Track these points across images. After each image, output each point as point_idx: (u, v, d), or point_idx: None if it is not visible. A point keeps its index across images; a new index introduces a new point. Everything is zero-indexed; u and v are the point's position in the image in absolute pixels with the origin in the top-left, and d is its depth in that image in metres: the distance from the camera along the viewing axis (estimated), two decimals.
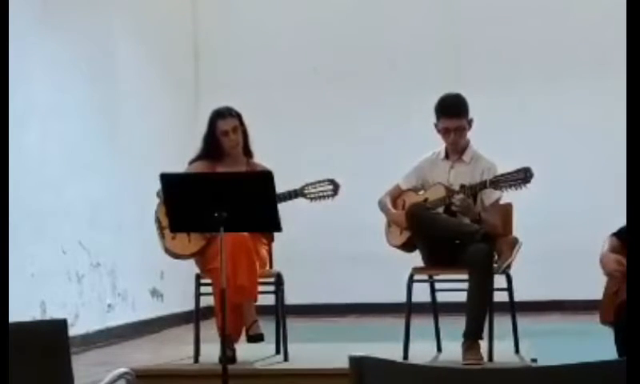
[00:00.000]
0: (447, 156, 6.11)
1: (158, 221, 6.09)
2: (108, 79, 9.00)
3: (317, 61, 10.36)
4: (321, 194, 6.08)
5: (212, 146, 6.15)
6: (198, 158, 6.22)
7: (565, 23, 9.99)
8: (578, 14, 9.95)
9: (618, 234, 4.97)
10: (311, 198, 6.08)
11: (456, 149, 6.06)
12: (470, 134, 6.12)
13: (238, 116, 6.15)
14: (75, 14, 8.49)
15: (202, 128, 6.34)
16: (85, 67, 8.60)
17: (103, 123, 8.85)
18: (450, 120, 5.97)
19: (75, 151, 8.34)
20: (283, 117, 10.13)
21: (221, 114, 6.14)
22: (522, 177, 5.69)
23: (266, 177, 5.31)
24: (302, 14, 10.45)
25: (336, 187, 6.08)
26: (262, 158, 6.25)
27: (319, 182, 6.07)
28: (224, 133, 6.10)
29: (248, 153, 6.22)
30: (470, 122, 6.04)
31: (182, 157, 6.55)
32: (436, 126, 6.05)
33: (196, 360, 5.94)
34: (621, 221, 5.00)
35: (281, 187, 5.60)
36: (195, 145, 6.37)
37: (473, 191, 5.85)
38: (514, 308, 5.98)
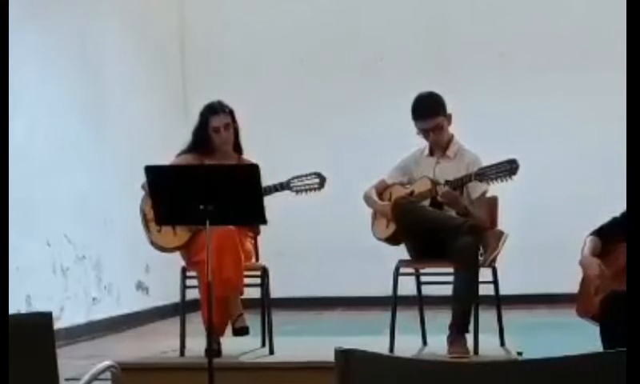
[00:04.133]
0: (432, 152, 6.12)
1: (143, 213, 6.07)
2: (94, 71, 8.97)
3: (304, 53, 10.35)
4: (307, 187, 6.08)
5: (202, 139, 6.12)
6: (187, 150, 6.19)
7: (551, 16, 10.01)
8: (564, 6, 9.97)
9: (599, 233, 4.99)
10: (297, 191, 6.08)
11: (439, 146, 6.07)
12: (454, 128, 6.12)
13: (231, 113, 6.14)
14: (62, 6, 8.46)
15: (189, 121, 6.33)
16: (71, 59, 8.58)
17: (89, 116, 8.82)
18: (424, 122, 5.98)
19: (61, 144, 8.32)
20: (270, 109, 10.11)
21: (213, 110, 6.11)
22: (508, 168, 5.69)
23: (252, 169, 5.30)
24: (290, 5, 10.43)
25: (322, 180, 6.09)
26: (248, 149, 6.24)
27: (306, 175, 6.08)
28: (215, 129, 6.08)
29: (238, 149, 6.21)
30: (448, 118, 6.03)
31: (168, 150, 6.53)
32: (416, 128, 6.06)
33: (182, 353, 5.93)
34: (607, 213, 5.02)
35: (267, 180, 5.59)
36: (182, 138, 6.35)
37: (458, 184, 5.85)
38: (499, 301, 5.99)
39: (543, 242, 9.62)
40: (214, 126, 6.08)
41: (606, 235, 4.94)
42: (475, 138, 6.27)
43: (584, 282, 5.04)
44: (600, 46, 9.73)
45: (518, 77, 9.97)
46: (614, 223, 4.94)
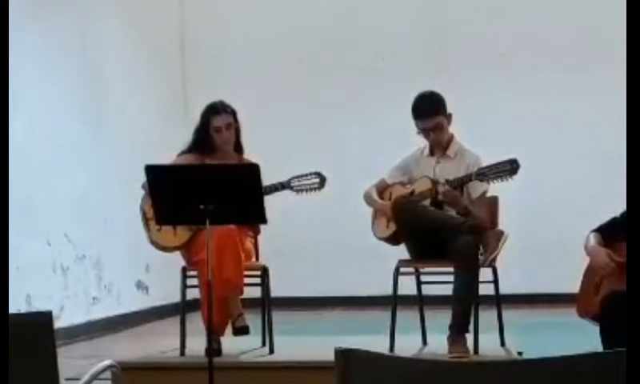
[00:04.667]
0: (432, 152, 6.12)
1: (143, 213, 6.07)
2: (95, 71, 8.97)
3: (304, 53, 10.35)
4: (307, 187, 6.08)
5: (203, 139, 6.12)
6: (188, 150, 6.19)
7: (551, 16, 10.01)
8: (564, 6, 9.96)
9: (600, 231, 4.99)
10: (298, 191, 6.08)
11: (439, 145, 6.07)
12: (454, 128, 6.12)
13: (233, 113, 6.14)
14: (62, 6, 8.46)
15: (189, 120, 6.33)
16: (71, 59, 8.58)
17: (89, 115, 8.82)
18: (425, 121, 5.98)
19: (61, 144, 8.31)
20: (270, 109, 10.10)
21: (215, 110, 6.11)
22: (509, 168, 5.69)
23: (252, 169, 5.30)
24: (290, 5, 10.43)
25: (322, 180, 6.09)
26: (248, 149, 6.24)
27: (306, 174, 6.08)
28: (217, 129, 6.08)
29: (239, 149, 6.21)
30: (448, 117, 6.03)
31: (168, 149, 6.53)
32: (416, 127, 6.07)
33: (182, 353, 5.93)
34: (607, 213, 5.02)
35: (267, 180, 5.59)
36: (182, 137, 6.35)
37: (459, 184, 5.85)
38: (499, 301, 5.99)
39: (543, 242, 9.62)
40: (216, 125, 6.08)
41: (606, 234, 4.94)
42: (475, 138, 6.27)
43: (585, 280, 5.03)
44: (600, 46, 9.73)
45: (518, 77, 9.97)
46: (614, 223, 4.94)
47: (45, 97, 8.13)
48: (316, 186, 6.09)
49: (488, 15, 10.11)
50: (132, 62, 9.56)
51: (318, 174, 6.10)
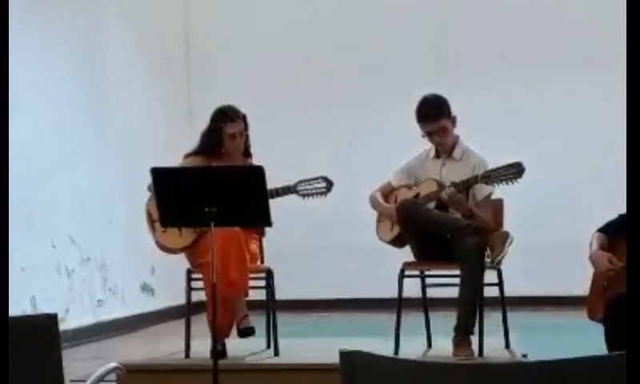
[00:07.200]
0: (437, 154, 6.12)
1: (148, 215, 6.08)
2: (97, 70, 8.97)
3: (308, 53, 10.34)
4: (314, 191, 6.06)
5: (212, 143, 6.10)
6: (195, 153, 6.18)
7: (551, 16, 10.00)
8: (564, 6, 9.96)
9: (605, 230, 4.98)
10: (304, 195, 6.07)
11: (444, 148, 6.07)
12: (459, 130, 6.12)
13: (244, 118, 6.13)
14: (64, 4, 8.46)
15: (193, 120, 6.32)
16: (74, 58, 8.58)
17: (93, 115, 8.82)
18: (428, 125, 5.98)
19: (64, 143, 8.32)
20: (274, 109, 10.09)
21: (229, 117, 6.07)
22: (514, 171, 5.70)
23: (257, 171, 5.30)
24: (293, 6, 10.43)
25: (329, 184, 6.07)
26: (252, 148, 6.23)
27: (312, 179, 6.06)
28: (231, 136, 6.05)
29: (247, 154, 6.20)
30: (453, 120, 6.03)
31: (172, 149, 6.53)
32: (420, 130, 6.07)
33: (187, 355, 5.94)
34: (611, 214, 5.02)
35: (270, 179, 5.58)
36: (186, 137, 6.35)
37: (464, 186, 5.85)
38: (504, 303, 5.99)
39: (548, 244, 9.61)
40: (230, 132, 6.05)
41: (614, 231, 4.92)
42: (476, 140, 6.27)
43: (594, 282, 5.03)
44: (600, 47, 9.72)
45: (520, 79, 9.96)
46: (622, 219, 4.92)
47: (48, 97, 8.14)
48: (323, 190, 6.07)
49: (489, 18, 10.10)
50: (135, 62, 9.56)
51: (325, 179, 6.08)
